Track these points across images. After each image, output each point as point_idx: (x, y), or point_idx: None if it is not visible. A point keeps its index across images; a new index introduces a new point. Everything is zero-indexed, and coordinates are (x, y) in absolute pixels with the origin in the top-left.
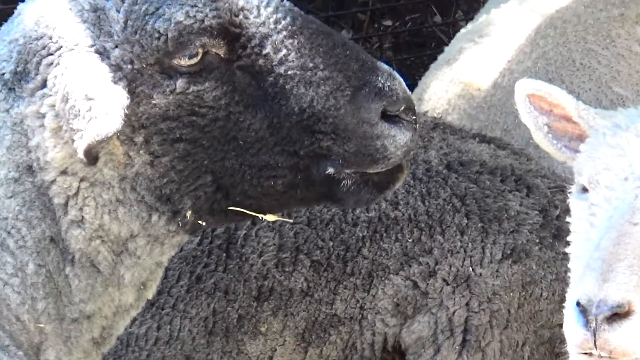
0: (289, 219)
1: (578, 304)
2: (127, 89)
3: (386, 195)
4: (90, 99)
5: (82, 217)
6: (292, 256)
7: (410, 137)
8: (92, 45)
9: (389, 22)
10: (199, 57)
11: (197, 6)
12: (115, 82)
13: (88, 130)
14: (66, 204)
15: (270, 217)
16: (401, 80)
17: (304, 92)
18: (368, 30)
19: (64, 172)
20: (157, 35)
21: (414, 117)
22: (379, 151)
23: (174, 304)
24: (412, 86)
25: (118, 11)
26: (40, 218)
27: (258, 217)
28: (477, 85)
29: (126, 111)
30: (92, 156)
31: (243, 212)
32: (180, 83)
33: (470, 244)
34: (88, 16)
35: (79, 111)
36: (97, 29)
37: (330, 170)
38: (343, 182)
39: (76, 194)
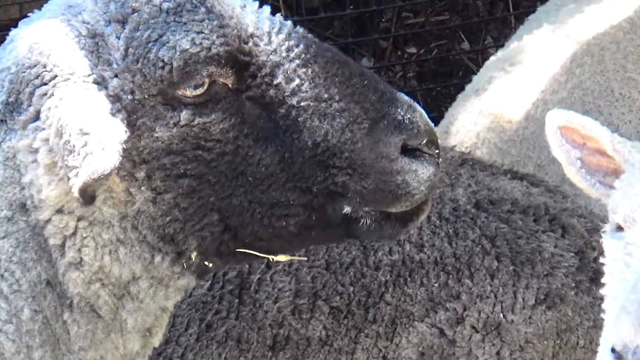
0: (304, 257)
1: (613, 350)
2: (126, 121)
3: (410, 229)
4: (85, 134)
5: (81, 258)
6: (310, 302)
7: (434, 172)
8: (89, 75)
9: (413, 50)
10: (205, 87)
11: (203, 33)
12: (114, 114)
13: (83, 168)
14: (63, 245)
15: (281, 258)
16: (423, 111)
17: (318, 124)
18: (390, 58)
19: (59, 211)
20: (160, 64)
21: (437, 151)
22: (401, 187)
23: (182, 353)
24: (438, 118)
25: (118, 38)
26: (36, 260)
27: (269, 258)
28: (508, 117)
29: (125, 145)
30: (88, 195)
31: (253, 253)
32: (184, 115)
33: (501, 289)
34: (85, 43)
35: (74, 147)
36: (95, 56)
37: (347, 209)
38: (362, 220)
39: (74, 234)
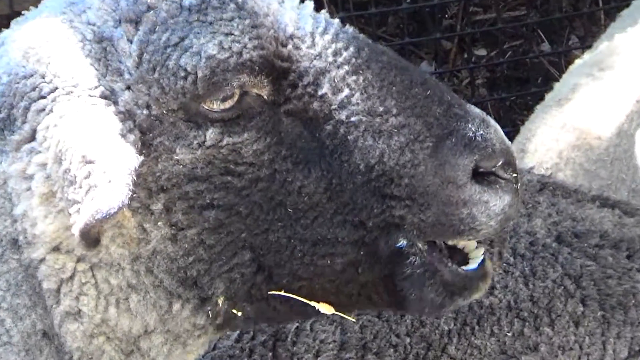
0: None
1: None
2: (140, 142)
3: (457, 306)
4: (89, 162)
5: (79, 308)
6: (358, 357)
7: (509, 202)
8: (95, 87)
9: (482, 52)
10: (236, 99)
11: (233, 34)
12: (125, 135)
13: (85, 205)
14: (58, 290)
15: (325, 309)
16: (498, 127)
17: (371, 144)
18: (455, 62)
19: (56, 249)
20: (182, 73)
21: (515, 175)
22: (464, 222)
23: None
24: (512, 134)
25: (130, 41)
26: (30, 307)
27: (310, 304)
28: (597, 132)
29: (139, 171)
30: (91, 238)
31: (289, 297)
32: (211, 134)
33: (587, 339)
34: (91, 48)
35: (75, 177)
36: (102, 65)
37: (403, 242)
38: (411, 257)
39: (71, 277)
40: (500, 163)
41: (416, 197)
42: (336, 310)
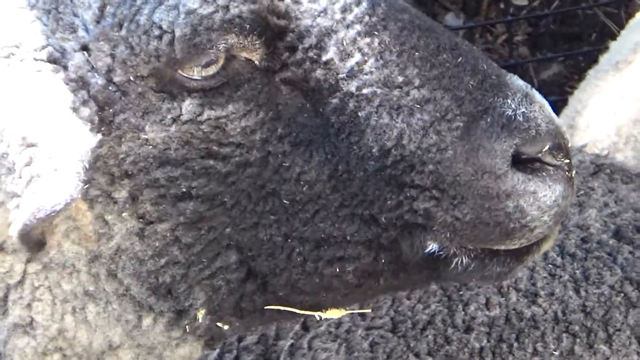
0: (367, 308)
1: None
2: (98, 117)
3: (527, 264)
4: (30, 145)
5: (31, 318)
6: None
7: (562, 193)
8: (43, 47)
9: (522, 1)
10: (220, 64)
11: None
12: (77, 109)
13: (26, 201)
14: (5, 298)
15: (334, 314)
16: (544, 103)
17: (388, 122)
18: (489, 14)
19: (0, 249)
20: (157, 32)
21: (568, 161)
22: (513, 218)
23: None
24: (559, 105)
25: None
26: None
27: (313, 315)
28: None
29: (96, 155)
30: (33, 240)
31: (289, 310)
32: (188, 106)
33: None
34: None
35: (14, 164)
36: (52, 19)
37: (433, 247)
38: (456, 259)
39: (21, 282)
40: (547, 148)
41: (445, 189)
42: (346, 309)
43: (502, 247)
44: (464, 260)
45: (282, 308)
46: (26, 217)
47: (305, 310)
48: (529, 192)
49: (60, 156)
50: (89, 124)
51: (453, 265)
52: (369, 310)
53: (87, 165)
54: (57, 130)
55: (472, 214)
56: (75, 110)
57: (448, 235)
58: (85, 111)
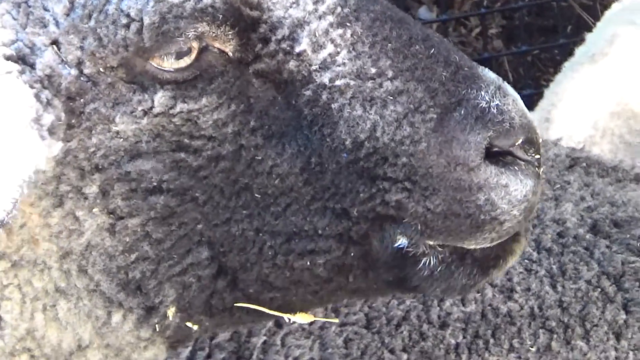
0: (334, 318)
1: None
2: (67, 108)
3: (493, 278)
4: None
5: (0, 317)
6: None
7: (532, 188)
8: (12, 42)
9: None
10: (193, 56)
11: None
12: (39, 118)
13: None
14: None
15: (302, 318)
16: (517, 97)
17: (361, 114)
18: (462, 7)
19: None
20: (124, 20)
21: (538, 156)
22: (484, 210)
23: None
24: (534, 98)
25: None
26: None
27: (283, 318)
28: None
29: (66, 149)
30: None
31: (260, 310)
32: (160, 98)
33: (631, 355)
34: None
35: None
36: (22, 13)
37: (403, 241)
38: (424, 259)
39: None
40: (519, 141)
41: (417, 181)
42: (316, 316)
43: (472, 245)
44: (432, 262)
45: (251, 306)
46: None
47: (275, 310)
48: (500, 185)
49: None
50: (51, 132)
51: (421, 265)
52: (337, 321)
53: (32, 181)
54: (6, 145)
55: (443, 205)
56: (36, 120)
57: (419, 227)
58: (48, 118)
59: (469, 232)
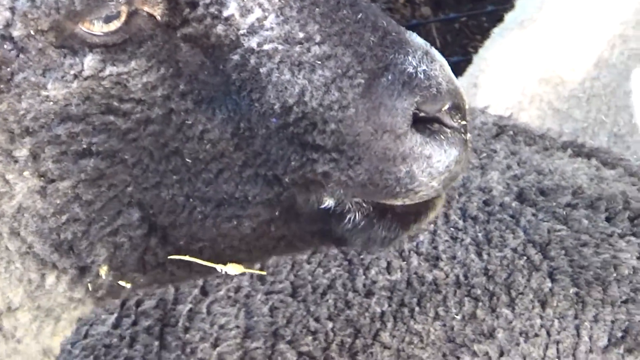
0: (262, 270)
1: None
2: None
3: (414, 233)
4: None
5: None
6: (268, 347)
7: (456, 158)
8: None
9: None
10: (123, 20)
11: None
12: None
13: None
14: None
15: (233, 269)
16: (444, 62)
17: (289, 79)
18: None
19: None
20: None
21: (464, 123)
22: (401, 182)
23: None
24: (462, 65)
25: None
26: None
27: (215, 268)
28: (570, 64)
29: None
30: None
31: (193, 263)
32: (89, 62)
33: (556, 322)
34: None
35: None
36: None
37: (329, 202)
38: (348, 216)
39: None
40: (446, 107)
41: (345, 149)
42: (246, 267)
43: (388, 203)
44: (357, 217)
45: (184, 258)
46: None
47: (207, 260)
48: (424, 156)
49: None
50: None
51: (346, 220)
52: (264, 273)
53: None
54: None
55: (364, 175)
56: None
57: (342, 191)
58: None
59: (383, 197)
